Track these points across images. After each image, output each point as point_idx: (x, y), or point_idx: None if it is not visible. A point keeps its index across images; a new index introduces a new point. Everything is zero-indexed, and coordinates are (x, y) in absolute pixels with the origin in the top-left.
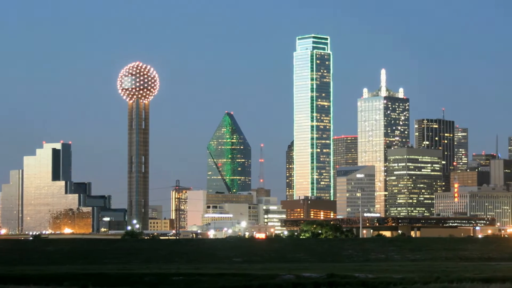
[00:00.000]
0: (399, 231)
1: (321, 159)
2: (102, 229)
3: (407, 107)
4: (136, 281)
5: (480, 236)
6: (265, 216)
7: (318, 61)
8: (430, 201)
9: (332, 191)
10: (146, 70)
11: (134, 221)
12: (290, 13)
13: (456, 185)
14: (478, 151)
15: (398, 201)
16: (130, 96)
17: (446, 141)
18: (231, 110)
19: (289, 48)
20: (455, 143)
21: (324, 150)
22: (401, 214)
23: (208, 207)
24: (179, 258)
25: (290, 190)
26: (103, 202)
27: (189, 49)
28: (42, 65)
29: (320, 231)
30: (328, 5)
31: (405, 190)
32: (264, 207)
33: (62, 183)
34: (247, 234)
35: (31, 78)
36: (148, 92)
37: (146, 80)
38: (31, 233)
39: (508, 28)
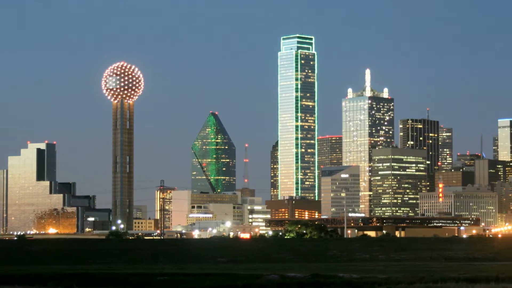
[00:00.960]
0: (384, 231)
1: (305, 159)
2: (87, 229)
3: (391, 107)
4: (120, 281)
5: (464, 236)
6: (250, 216)
7: (302, 61)
8: (414, 201)
9: (316, 191)
10: (131, 70)
11: (119, 221)
12: (275, 13)
13: (440, 185)
14: (463, 151)
15: (382, 201)
16: (115, 96)
17: (430, 141)
18: (215, 110)
19: (273, 48)
20: (440, 143)
21: (309, 150)
22: (386, 214)
23: (193, 207)
24: (163, 258)
25: (275, 190)
26: (88, 202)
27: (173, 49)
28: (26, 65)
29: (304, 231)
30: (313, 5)
31: (390, 190)
32: (249, 207)
33: (47, 183)
34: (231, 234)
35: (15, 78)
36: (132, 92)
37: (130, 80)
38: (15, 233)
39: (493, 29)
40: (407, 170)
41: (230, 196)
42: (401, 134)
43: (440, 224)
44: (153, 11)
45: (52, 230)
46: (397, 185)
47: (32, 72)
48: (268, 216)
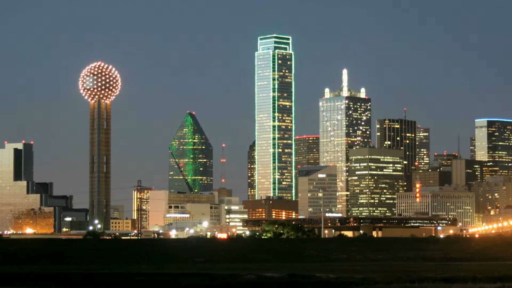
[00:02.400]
0: (361, 231)
1: (282, 159)
2: (64, 229)
3: (368, 107)
4: (98, 281)
5: (441, 236)
6: (227, 216)
7: (280, 61)
8: (392, 201)
9: (294, 191)
10: (108, 70)
11: (96, 221)
12: (252, 13)
13: (417, 185)
14: (440, 151)
15: (360, 201)
16: (92, 96)
17: (407, 141)
18: (192, 110)
19: (250, 48)
20: (417, 143)
21: (286, 150)
22: (363, 214)
23: (170, 207)
24: (140, 258)
25: (252, 190)
26: (65, 202)
27: (150, 49)
28: (4, 64)
29: (281, 231)
30: (290, 5)
31: (367, 190)
32: (226, 207)
33: (24, 183)
34: (208, 234)
35: None
36: (109, 92)
37: (107, 80)
38: None
39: (471, 29)
40: (384, 170)
41: (207, 196)
42: (378, 134)
43: (417, 224)
44: (130, 11)
45: (29, 230)
46: (374, 185)
47: (9, 72)
48: (245, 216)
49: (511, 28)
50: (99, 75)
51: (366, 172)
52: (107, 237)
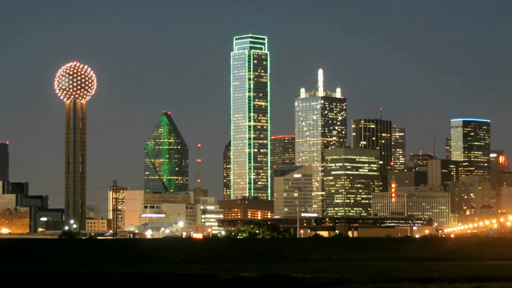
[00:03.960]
0: (337, 231)
1: (258, 159)
2: (40, 229)
3: (344, 107)
4: (74, 281)
5: (417, 236)
6: (203, 216)
7: (255, 61)
8: (367, 201)
9: (269, 191)
10: (83, 70)
11: (71, 221)
12: (228, 13)
13: (393, 185)
14: (415, 151)
15: (335, 201)
16: (68, 96)
17: (383, 141)
18: (168, 110)
19: (226, 48)
20: (393, 143)
21: (262, 150)
22: (339, 214)
23: (146, 207)
24: (116, 259)
25: (228, 190)
26: (41, 202)
27: (126, 49)
28: None
29: (257, 231)
30: (265, 5)
31: (343, 190)
32: (202, 207)
33: (0, 183)
34: (184, 234)
35: None
36: (85, 92)
37: (83, 80)
38: None
39: (447, 28)
40: (359, 170)
41: (182, 196)
42: (354, 134)
43: (393, 224)
44: (106, 11)
45: (5, 230)
46: (349, 185)
47: None
48: (221, 216)
49: (490, 29)
50: (75, 75)
51: (342, 172)
52: (83, 237)
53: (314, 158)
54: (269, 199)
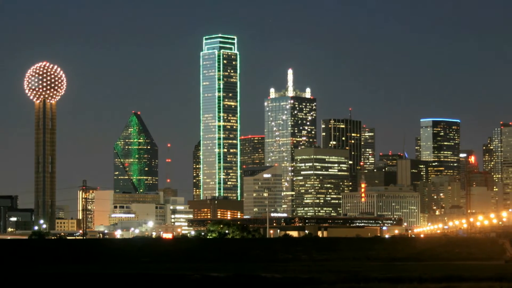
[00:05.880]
0: (306, 231)
1: (228, 159)
2: (9, 229)
3: (314, 107)
4: (44, 281)
5: (387, 236)
6: (172, 216)
7: (225, 61)
8: (337, 201)
9: (239, 191)
10: (53, 70)
11: (41, 221)
12: (197, 13)
13: (363, 185)
14: (385, 151)
15: (305, 201)
16: (37, 96)
17: (353, 141)
18: (138, 110)
19: (196, 48)
20: (362, 143)
21: (231, 150)
22: (308, 214)
23: (115, 207)
24: (86, 259)
25: (197, 190)
26: (10, 202)
27: (95, 48)
28: None
29: (227, 231)
30: (235, 5)
31: (312, 190)
32: (171, 207)
33: None
34: (154, 234)
35: None
36: (55, 92)
37: (53, 80)
38: None
39: (415, 29)
40: (329, 170)
41: (152, 196)
42: (324, 134)
43: (363, 224)
44: (76, 11)
45: None
46: (319, 185)
47: None
48: (191, 216)
49: (458, 30)
50: (44, 75)
51: (312, 172)
52: (53, 237)
53: (284, 158)
54: (238, 199)
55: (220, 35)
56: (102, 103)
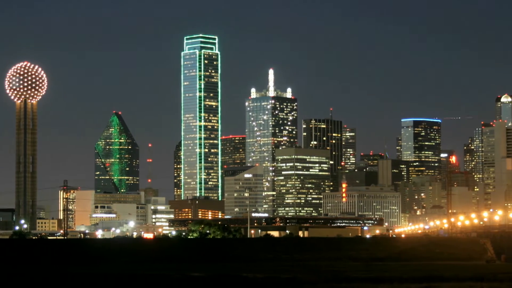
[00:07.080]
0: (287, 231)
1: (209, 159)
2: None
3: (295, 107)
4: (25, 281)
5: (368, 236)
6: (153, 216)
7: (206, 61)
8: (318, 201)
9: (220, 191)
10: (34, 70)
11: (22, 221)
12: (178, 12)
13: (344, 185)
14: (366, 151)
15: (286, 201)
16: (18, 96)
17: (334, 141)
18: (119, 110)
19: (177, 48)
20: (343, 143)
21: (212, 150)
22: (289, 214)
23: (96, 207)
24: (67, 259)
25: (178, 190)
26: None
27: (77, 49)
28: None
29: (208, 231)
30: (216, 5)
31: (293, 190)
32: (152, 207)
33: None
34: (135, 234)
35: None
36: (36, 92)
37: (34, 80)
38: None
39: (398, 29)
40: (310, 170)
41: (133, 196)
42: (305, 134)
43: (344, 224)
44: (57, 11)
45: None
46: (300, 185)
47: None
48: (172, 216)
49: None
50: (25, 75)
51: (292, 172)
52: (34, 237)
53: (265, 158)
54: (219, 199)
55: (201, 35)
56: (83, 103)
